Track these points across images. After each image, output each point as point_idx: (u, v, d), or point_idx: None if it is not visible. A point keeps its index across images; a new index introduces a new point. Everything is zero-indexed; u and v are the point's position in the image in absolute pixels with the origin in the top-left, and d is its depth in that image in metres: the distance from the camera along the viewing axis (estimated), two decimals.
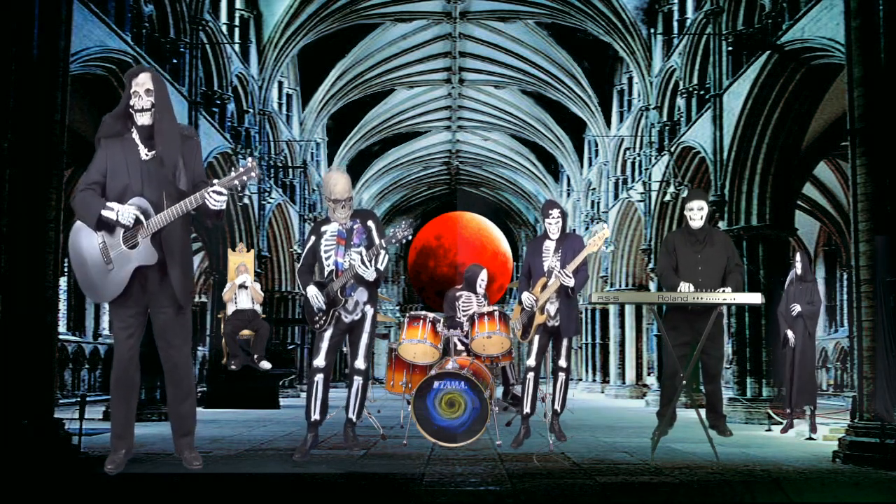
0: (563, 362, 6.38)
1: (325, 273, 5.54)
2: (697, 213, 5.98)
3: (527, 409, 6.35)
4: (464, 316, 8.00)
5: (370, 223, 5.61)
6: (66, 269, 14.49)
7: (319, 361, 5.56)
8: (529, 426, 6.32)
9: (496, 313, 6.97)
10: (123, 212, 4.02)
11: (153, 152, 4.13)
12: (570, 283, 5.98)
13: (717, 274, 5.87)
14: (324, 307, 5.46)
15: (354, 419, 5.78)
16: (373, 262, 5.37)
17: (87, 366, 15.67)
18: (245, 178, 3.98)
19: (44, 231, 5.19)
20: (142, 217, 4.04)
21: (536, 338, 6.29)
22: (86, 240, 4.15)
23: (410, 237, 5.40)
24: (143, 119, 4.09)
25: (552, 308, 6.18)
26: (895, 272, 5.64)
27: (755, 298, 5.64)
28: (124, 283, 4.12)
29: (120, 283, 4.12)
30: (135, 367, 4.28)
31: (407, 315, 7.22)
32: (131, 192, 4.07)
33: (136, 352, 4.26)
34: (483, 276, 8.43)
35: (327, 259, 5.54)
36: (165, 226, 4.07)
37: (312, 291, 5.47)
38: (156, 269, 4.12)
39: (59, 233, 5.25)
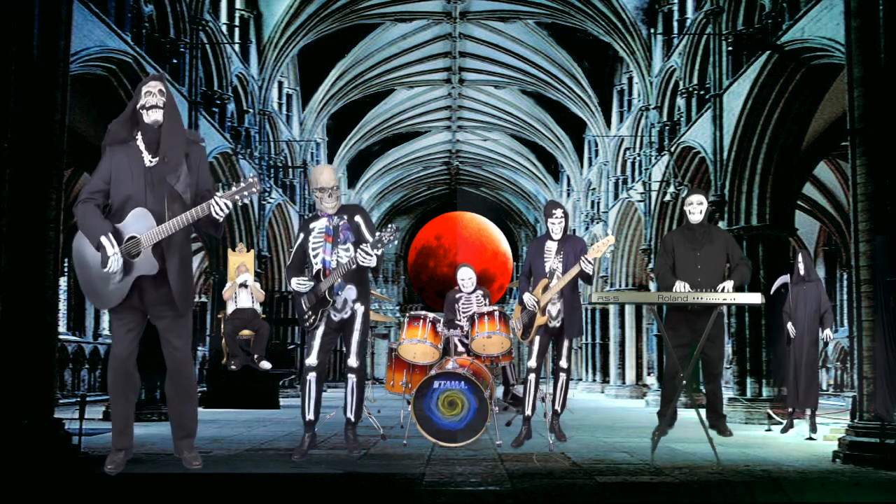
0: (563, 363, 6.34)
1: (314, 271, 5.49)
2: (697, 207, 5.94)
3: (528, 411, 6.33)
4: (464, 317, 7.88)
5: (357, 218, 5.55)
6: (66, 269, 14.49)
7: (311, 360, 5.52)
8: (531, 427, 6.32)
9: (496, 313, 6.91)
10: (112, 262, 4.01)
11: (157, 159, 4.11)
12: (590, 268, 5.92)
13: (717, 273, 5.81)
14: (313, 297, 5.41)
15: (353, 419, 5.67)
16: (374, 248, 5.25)
17: (87, 366, 15.64)
18: (247, 192, 4.02)
19: (44, 231, 5.18)
20: (119, 269, 4.03)
21: (537, 339, 6.26)
22: (89, 247, 4.15)
23: (395, 241, 5.30)
24: (156, 115, 4.09)
25: (554, 309, 6.15)
26: (895, 272, 5.64)
27: (755, 298, 5.54)
28: (125, 292, 4.13)
29: (121, 292, 4.13)
30: (133, 364, 4.28)
31: (407, 315, 7.20)
32: (134, 200, 4.07)
33: (135, 349, 4.27)
34: (462, 275, 8.19)
35: (315, 257, 5.49)
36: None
37: (296, 281, 5.43)
38: (156, 278, 4.12)
39: (59, 233, 5.24)
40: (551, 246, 6.21)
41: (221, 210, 3.98)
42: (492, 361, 7.30)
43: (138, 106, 4.12)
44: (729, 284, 5.66)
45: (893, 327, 5.59)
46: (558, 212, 6.20)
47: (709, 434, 5.61)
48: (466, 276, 8.15)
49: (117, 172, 4.10)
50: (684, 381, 5.69)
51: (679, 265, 5.89)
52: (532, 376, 6.29)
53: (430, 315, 7.05)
